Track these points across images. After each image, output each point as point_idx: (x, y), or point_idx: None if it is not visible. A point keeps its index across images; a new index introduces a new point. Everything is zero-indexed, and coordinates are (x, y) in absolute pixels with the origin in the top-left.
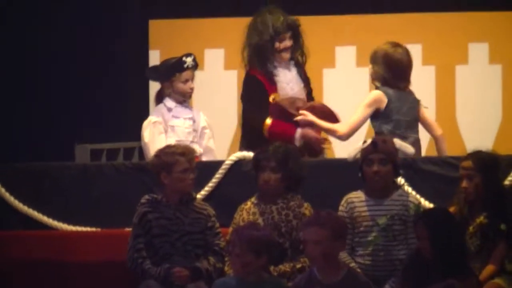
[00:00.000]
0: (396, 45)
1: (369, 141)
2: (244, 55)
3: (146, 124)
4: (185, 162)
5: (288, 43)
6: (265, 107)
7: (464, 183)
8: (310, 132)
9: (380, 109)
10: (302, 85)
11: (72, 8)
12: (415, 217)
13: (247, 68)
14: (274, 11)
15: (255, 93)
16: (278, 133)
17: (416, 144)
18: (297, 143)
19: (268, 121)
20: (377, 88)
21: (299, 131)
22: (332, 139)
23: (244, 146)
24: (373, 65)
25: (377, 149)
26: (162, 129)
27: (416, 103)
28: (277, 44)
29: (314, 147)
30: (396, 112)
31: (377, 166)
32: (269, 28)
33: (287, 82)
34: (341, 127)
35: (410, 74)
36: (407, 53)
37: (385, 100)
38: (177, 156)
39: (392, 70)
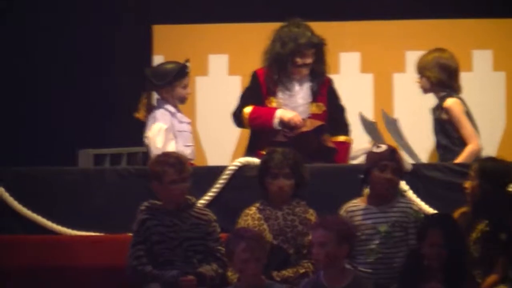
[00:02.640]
0: (442, 49)
1: (383, 146)
2: (264, 57)
3: (157, 131)
4: (173, 173)
5: (308, 60)
6: (252, 103)
7: (466, 183)
8: (287, 112)
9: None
10: (310, 100)
11: (75, 13)
12: (421, 223)
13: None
14: (302, 25)
15: (248, 90)
16: (257, 119)
17: None
18: (276, 125)
19: (247, 109)
20: (442, 97)
21: (278, 112)
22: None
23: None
24: (425, 73)
25: (394, 158)
26: (172, 136)
27: None
28: (297, 59)
29: (290, 127)
30: (470, 115)
31: (391, 175)
32: (293, 42)
33: (294, 93)
34: (472, 146)
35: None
36: (454, 56)
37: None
38: (166, 167)
39: (447, 73)
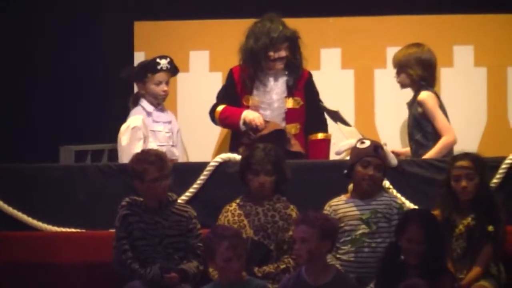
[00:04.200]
0: (419, 44)
1: (367, 142)
2: (239, 54)
3: (124, 129)
4: (155, 171)
5: (282, 53)
6: (227, 103)
7: (464, 183)
8: (251, 113)
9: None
10: (285, 94)
11: (57, 9)
12: (401, 218)
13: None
14: (275, 20)
15: (224, 89)
16: (227, 119)
17: None
18: (241, 126)
19: (219, 108)
20: (417, 90)
21: (244, 113)
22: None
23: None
24: (407, 70)
25: (377, 154)
26: (141, 135)
27: None
28: (271, 53)
29: (252, 128)
30: (444, 109)
31: (373, 171)
32: (266, 36)
33: (269, 89)
34: (447, 137)
35: None
36: (430, 49)
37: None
38: (147, 165)
39: (428, 69)
